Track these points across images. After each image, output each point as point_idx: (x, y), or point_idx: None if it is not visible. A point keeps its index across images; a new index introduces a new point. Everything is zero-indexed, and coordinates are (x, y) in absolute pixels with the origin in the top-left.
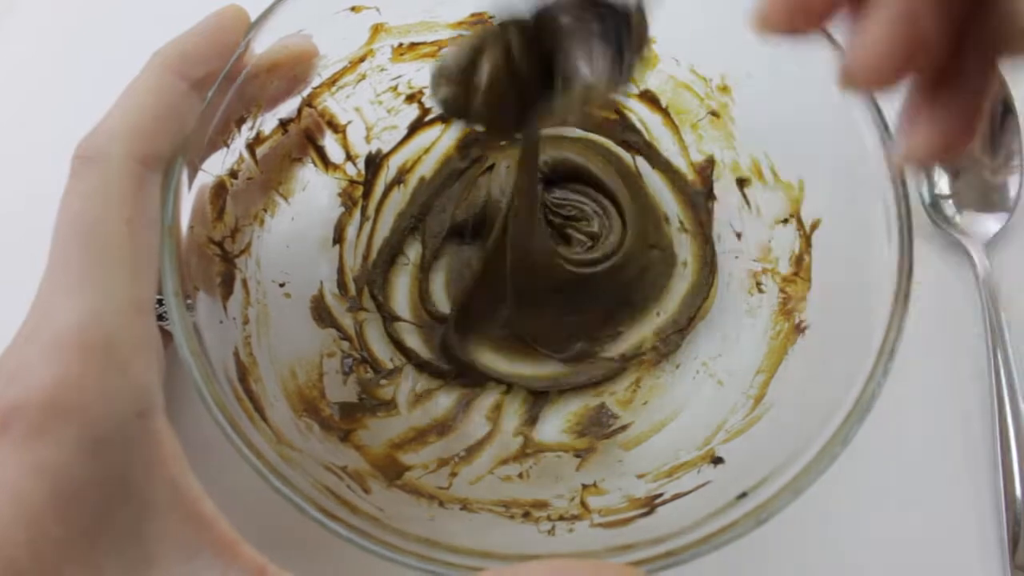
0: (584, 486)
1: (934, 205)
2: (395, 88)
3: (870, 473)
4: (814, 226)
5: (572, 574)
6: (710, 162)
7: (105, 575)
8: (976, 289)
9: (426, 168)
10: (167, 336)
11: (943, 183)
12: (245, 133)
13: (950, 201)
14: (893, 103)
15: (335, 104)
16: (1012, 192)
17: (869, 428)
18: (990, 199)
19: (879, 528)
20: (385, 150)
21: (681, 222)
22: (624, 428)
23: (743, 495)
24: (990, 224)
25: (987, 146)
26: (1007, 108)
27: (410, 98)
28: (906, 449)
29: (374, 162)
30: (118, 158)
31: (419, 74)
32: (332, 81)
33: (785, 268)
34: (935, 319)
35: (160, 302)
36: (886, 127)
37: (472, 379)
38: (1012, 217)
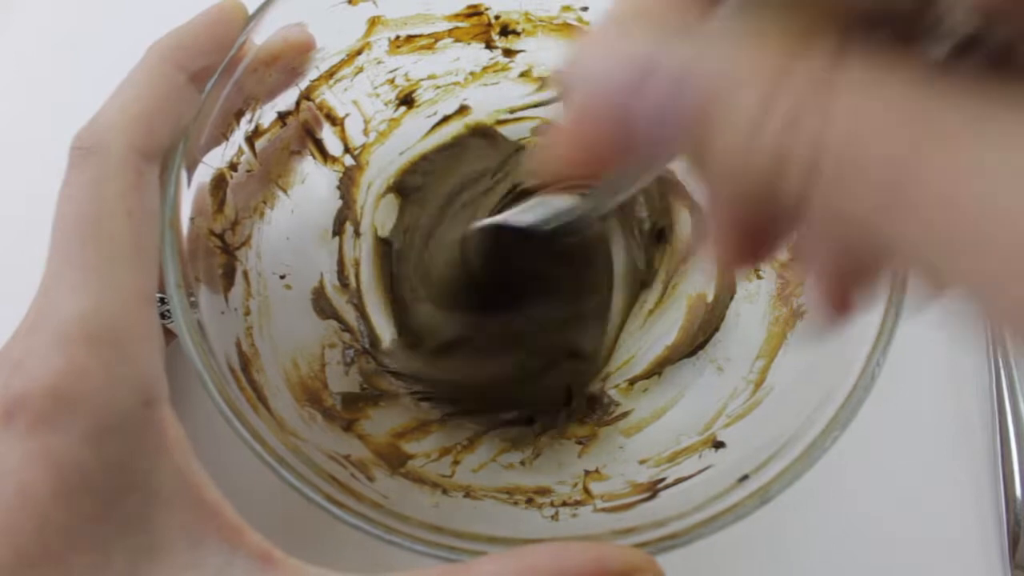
0: (586, 472)
1: None
2: (392, 81)
3: (869, 473)
4: None
5: (575, 556)
6: None
7: (112, 562)
8: None
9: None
10: (169, 334)
11: None
12: (244, 126)
13: None
14: None
15: (333, 97)
16: None
17: (869, 428)
18: None
19: (879, 528)
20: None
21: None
22: (625, 415)
23: (744, 478)
24: None
25: None
26: None
27: (404, 102)
28: (906, 449)
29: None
30: (117, 149)
31: (416, 67)
32: (330, 74)
33: (782, 253)
34: (934, 319)
35: (162, 300)
36: None
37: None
38: None
